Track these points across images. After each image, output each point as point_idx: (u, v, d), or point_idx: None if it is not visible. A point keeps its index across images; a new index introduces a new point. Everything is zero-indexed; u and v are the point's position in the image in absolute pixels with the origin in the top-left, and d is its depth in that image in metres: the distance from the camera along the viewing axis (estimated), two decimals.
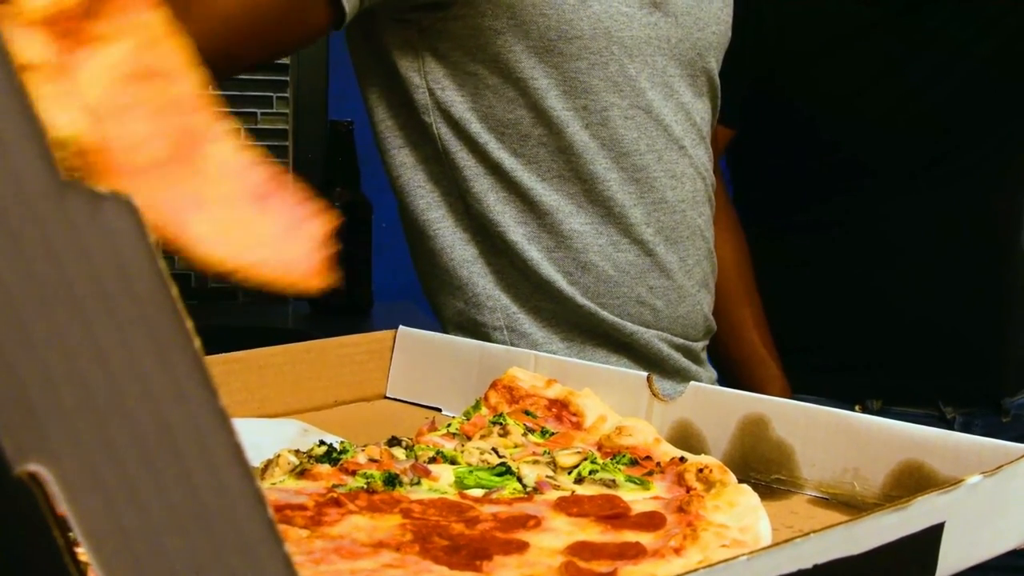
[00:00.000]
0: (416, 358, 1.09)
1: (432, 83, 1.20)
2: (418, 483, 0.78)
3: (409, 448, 0.85)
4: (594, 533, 0.71)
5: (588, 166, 1.22)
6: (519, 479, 0.80)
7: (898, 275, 1.64)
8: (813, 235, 1.69)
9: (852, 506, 0.82)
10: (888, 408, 1.65)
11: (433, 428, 0.92)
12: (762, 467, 0.87)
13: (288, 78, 2.55)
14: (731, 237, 1.61)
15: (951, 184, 1.63)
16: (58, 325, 0.34)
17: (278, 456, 0.81)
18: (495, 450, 0.85)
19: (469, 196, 1.22)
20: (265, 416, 1.01)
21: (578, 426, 0.92)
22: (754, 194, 1.78)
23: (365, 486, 0.77)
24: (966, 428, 1.62)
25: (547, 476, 0.80)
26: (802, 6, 1.64)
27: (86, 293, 0.34)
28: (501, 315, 1.24)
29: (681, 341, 1.30)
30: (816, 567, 0.58)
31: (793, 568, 0.57)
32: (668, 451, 0.86)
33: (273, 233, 0.58)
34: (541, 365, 1.00)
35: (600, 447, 0.87)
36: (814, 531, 0.59)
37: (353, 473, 0.79)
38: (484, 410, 0.94)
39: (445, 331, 1.26)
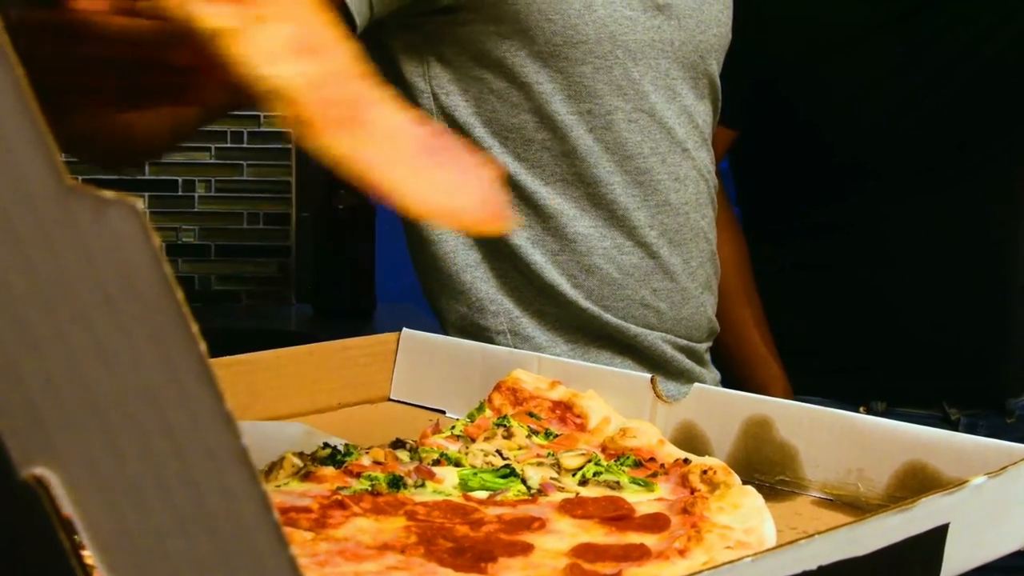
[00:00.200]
0: (420, 360, 1.09)
1: (436, 88, 1.20)
2: (422, 485, 0.78)
3: (413, 450, 0.85)
4: (598, 535, 0.71)
5: (592, 170, 1.22)
6: (523, 481, 0.80)
7: (900, 277, 1.64)
8: (815, 238, 1.69)
9: (856, 507, 0.82)
10: (892, 409, 1.65)
11: (437, 430, 0.92)
12: (766, 468, 0.87)
13: None
14: (730, 237, 1.61)
15: (953, 186, 1.63)
16: (62, 329, 0.34)
17: (282, 459, 0.81)
18: (499, 452, 0.85)
19: None
20: (269, 419, 1.01)
21: (582, 428, 0.92)
22: (757, 196, 1.78)
23: (369, 488, 0.77)
24: (971, 429, 1.62)
25: (551, 478, 0.80)
26: (803, 8, 1.64)
27: (90, 297, 0.34)
28: (504, 319, 1.24)
29: (685, 343, 1.30)
30: (820, 568, 0.58)
31: (798, 569, 0.57)
32: (672, 453, 0.86)
33: (451, 181, 0.61)
34: (545, 367, 1.00)
35: (604, 449, 0.87)
36: (818, 532, 0.59)
37: (357, 475, 0.79)
38: (488, 412, 0.95)
39: (447, 335, 1.26)
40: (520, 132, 1.21)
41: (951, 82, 1.62)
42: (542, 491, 0.78)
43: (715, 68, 1.33)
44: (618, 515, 0.74)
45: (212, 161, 2.54)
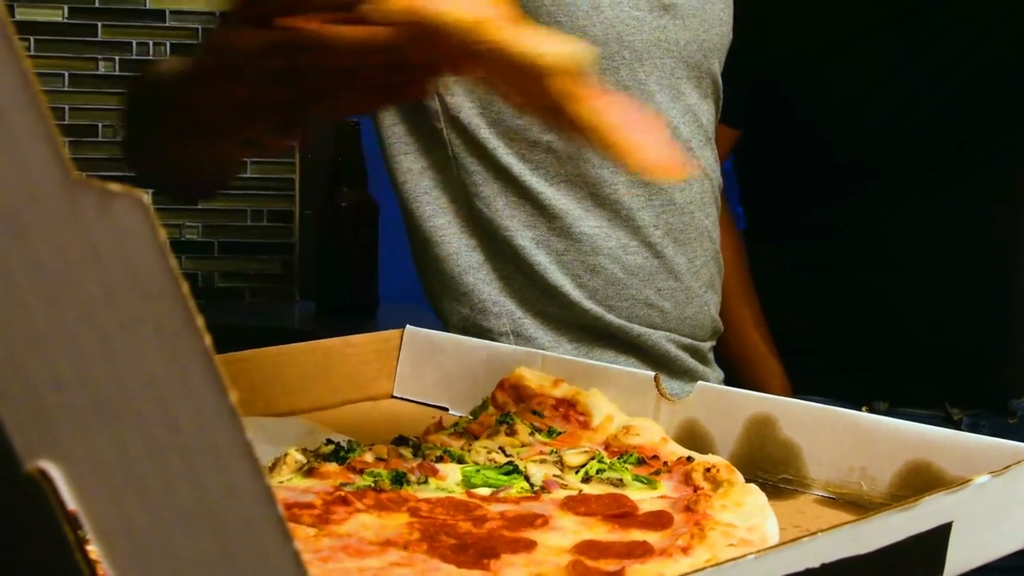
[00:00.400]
0: (423, 358, 1.09)
1: (441, 88, 1.20)
2: (425, 482, 0.78)
3: (416, 447, 0.85)
4: (601, 532, 0.71)
5: (596, 170, 1.22)
6: (526, 478, 0.80)
7: (900, 277, 1.64)
8: (815, 238, 1.69)
9: (859, 506, 0.82)
10: (895, 409, 1.65)
11: (440, 427, 0.92)
12: (769, 467, 0.87)
13: None
14: (729, 236, 1.61)
15: (953, 186, 1.63)
16: (67, 323, 0.34)
17: (286, 455, 0.81)
18: (502, 449, 0.85)
19: (478, 201, 1.22)
20: (272, 416, 1.01)
21: (585, 425, 0.92)
22: (759, 196, 1.78)
23: (373, 485, 0.77)
24: (973, 429, 1.62)
25: (554, 475, 0.81)
26: (803, 8, 1.64)
27: (96, 291, 0.34)
28: (507, 320, 1.24)
29: (689, 341, 1.30)
30: (823, 566, 0.58)
31: (800, 567, 0.57)
32: (675, 450, 0.86)
33: (637, 128, 0.67)
34: (548, 365, 1.00)
35: (607, 446, 0.88)
36: (821, 530, 0.59)
37: (360, 472, 0.79)
38: (491, 409, 0.95)
39: None
40: (525, 133, 1.21)
41: (951, 82, 1.62)
42: (545, 488, 0.78)
43: (717, 67, 1.33)
44: (621, 512, 0.74)
45: None
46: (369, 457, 0.81)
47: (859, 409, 1.55)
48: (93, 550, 0.35)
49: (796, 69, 1.64)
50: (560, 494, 0.77)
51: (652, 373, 0.95)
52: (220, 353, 0.35)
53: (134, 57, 2.50)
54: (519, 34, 0.65)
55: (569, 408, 0.93)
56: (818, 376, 1.66)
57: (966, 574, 0.69)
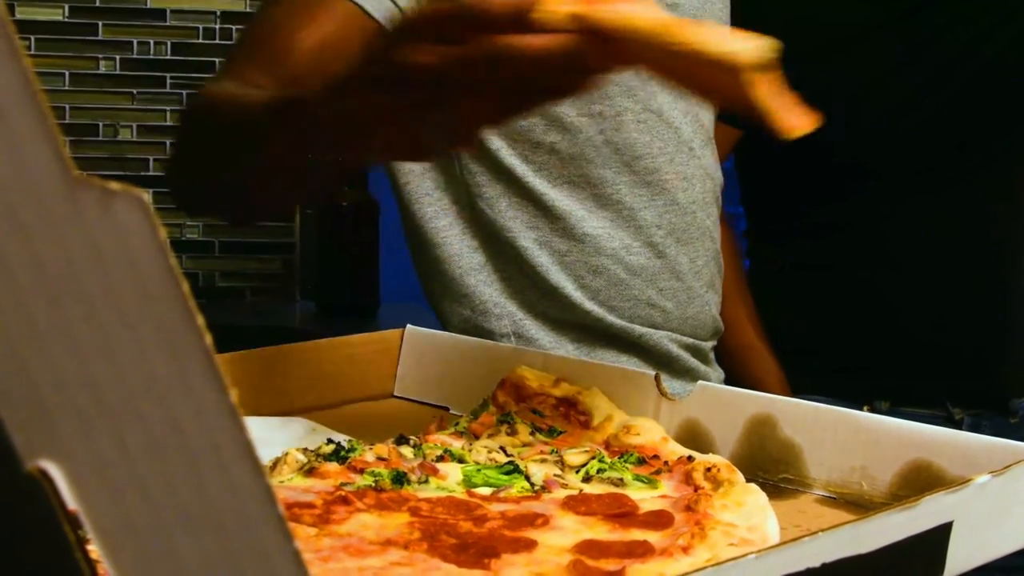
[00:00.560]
0: (424, 357, 1.09)
1: None
2: (426, 481, 0.78)
3: (417, 447, 0.85)
4: (602, 531, 0.71)
5: (599, 170, 1.22)
6: (527, 477, 0.80)
7: (900, 277, 1.64)
8: (815, 238, 1.69)
9: (860, 505, 0.82)
10: (896, 409, 1.64)
11: (441, 427, 0.92)
12: (770, 466, 0.87)
13: None
14: (723, 235, 1.61)
15: (953, 186, 1.63)
16: (68, 321, 0.34)
17: (286, 454, 0.81)
18: (503, 449, 0.85)
19: (480, 202, 1.22)
20: (272, 415, 1.01)
21: (586, 425, 0.92)
22: (759, 196, 1.78)
23: (373, 484, 0.77)
24: (974, 429, 1.62)
25: (555, 475, 0.80)
26: (803, 8, 1.64)
27: (97, 289, 0.34)
28: (508, 322, 1.24)
29: (691, 341, 1.30)
30: (824, 566, 0.58)
31: (801, 567, 0.57)
32: (676, 450, 0.86)
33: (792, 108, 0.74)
34: (549, 364, 1.00)
35: (608, 446, 0.87)
36: (822, 530, 0.59)
37: (361, 471, 0.79)
38: (492, 409, 0.95)
39: None
40: (528, 135, 1.20)
41: (951, 82, 1.62)
42: (546, 488, 0.78)
43: None
44: (622, 512, 0.74)
45: None
46: (370, 456, 0.81)
47: (860, 409, 1.55)
48: (94, 550, 0.35)
49: (796, 69, 1.64)
50: (561, 494, 0.77)
51: (653, 372, 0.95)
52: (220, 352, 0.35)
53: (135, 56, 2.50)
54: (708, 33, 0.70)
55: (570, 408, 0.93)
56: (818, 376, 1.66)
57: (966, 574, 0.69)
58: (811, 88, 1.66)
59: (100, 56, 2.49)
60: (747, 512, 0.72)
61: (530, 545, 0.68)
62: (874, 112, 1.62)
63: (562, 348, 1.24)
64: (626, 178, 1.23)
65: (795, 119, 0.77)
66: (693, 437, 0.91)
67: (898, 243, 1.64)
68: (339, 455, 0.81)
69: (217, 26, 2.52)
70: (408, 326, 1.12)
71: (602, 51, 0.72)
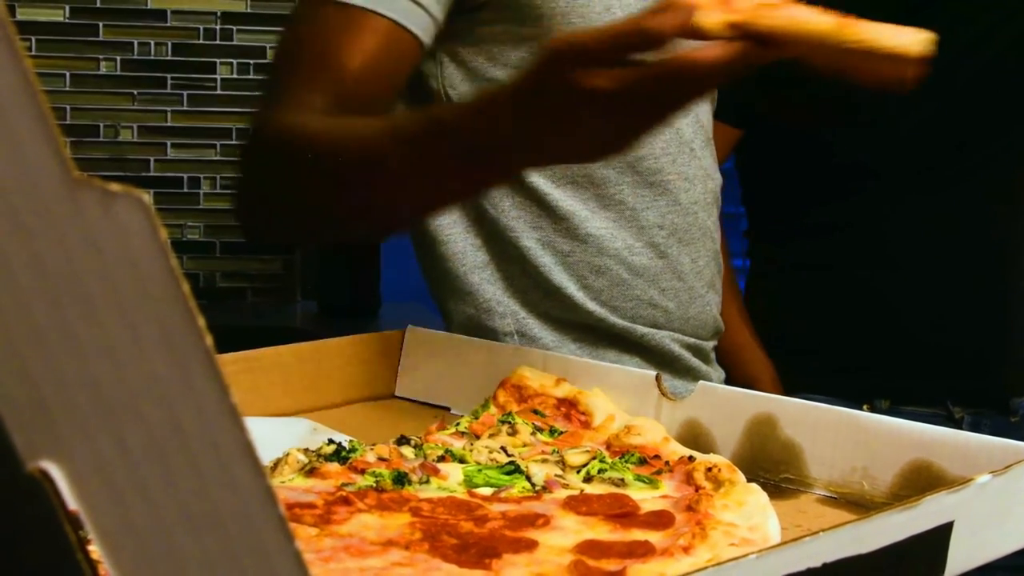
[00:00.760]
0: (425, 357, 1.09)
1: (449, 89, 1.20)
2: (427, 482, 0.78)
3: (418, 447, 0.85)
4: (603, 532, 0.71)
5: (601, 170, 1.22)
6: (528, 478, 0.80)
7: (901, 277, 1.64)
8: (815, 238, 1.69)
9: (861, 505, 0.82)
10: (897, 408, 1.64)
11: (442, 427, 0.92)
12: (771, 466, 0.87)
13: None
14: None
15: (953, 186, 1.63)
16: (69, 322, 0.34)
17: (287, 454, 0.81)
18: (504, 449, 0.85)
19: (484, 201, 1.22)
20: (274, 416, 1.01)
21: (587, 425, 0.92)
22: (759, 196, 1.78)
23: (374, 484, 0.77)
24: (975, 428, 1.62)
25: (556, 475, 0.80)
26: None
27: (97, 290, 0.34)
28: (511, 321, 1.24)
29: (692, 341, 1.30)
30: (825, 566, 0.58)
31: (802, 567, 0.57)
32: (677, 450, 0.86)
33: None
34: (550, 364, 1.00)
35: (609, 446, 0.87)
36: (823, 530, 0.59)
37: (362, 472, 0.79)
38: (493, 409, 0.95)
39: None
40: None
41: (952, 82, 1.62)
42: (547, 488, 0.78)
43: None
44: (623, 512, 0.74)
45: (217, 158, 2.54)
46: (371, 457, 0.81)
47: (860, 408, 1.55)
48: (95, 550, 0.35)
49: (796, 69, 1.64)
50: (562, 494, 0.77)
51: (654, 372, 0.95)
52: (221, 353, 0.35)
53: (135, 57, 2.50)
54: (879, 29, 0.76)
55: (571, 408, 0.93)
56: (819, 376, 1.66)
57: (967, 573, 0.69)
58: (812, 88, 1.67)
59: (101, 57, 2.49)
60: (748, 512, 0.72)
61: (531, 545, 0.68)
62: (875, 112, 1.62)
63: (564, 348, 1.23)
64: (629, 178, 1.23)
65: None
66: (694, 437, 0.91)
67: (898, 243, 1.64)
68: (340, 455, 0.81)
69: (218, 27, 2.52)
70: (409, 326, 1.12)
71: (760, 52, 0.79)
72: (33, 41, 2.45)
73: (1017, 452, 0.75)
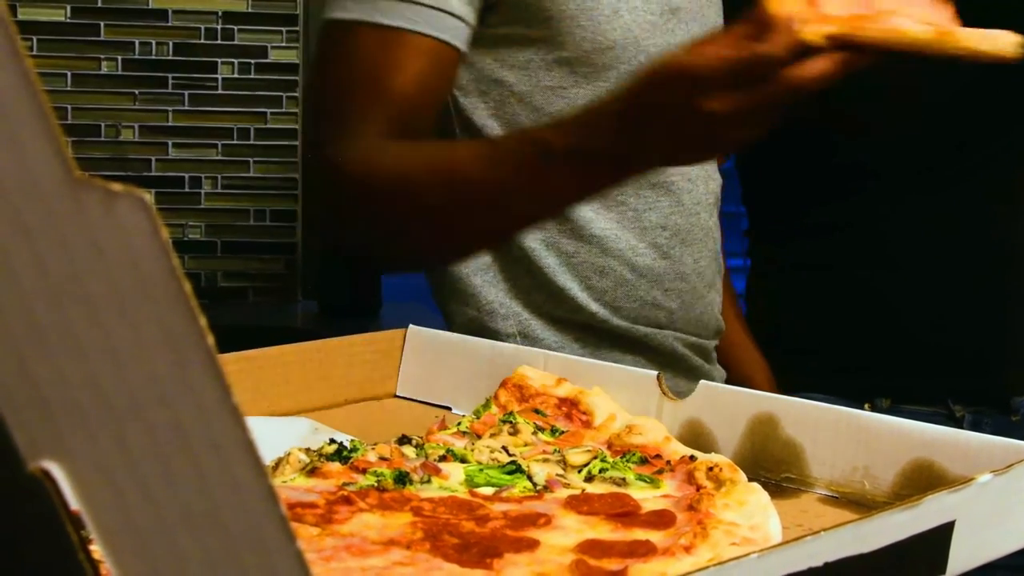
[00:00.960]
0: (426, 357, 1.09)
1: (455, 89, 1.20)
2: (428, 481, 0.78)
3: (419, 446, 0.85)
4: (604, 531, 0.71)
5: None
6: (529, 477, 0.80)
7: (901, 277, 1.64)
8: (815, 238, 1.69)
9: (862, 505, 0.82)
10: (897, 407, 1.64)
11: (443, 427, 0.92)
12: (772, 466, 0.87)
13: (297, 78, 2.56)
14: None
15: (953, 186, 1.63)
16: (71, 322, 0.35)
17: (289, 454, 0.81)
18: (505, 448, 0.85)
19: None
20: (275, 415, 1.01)
21: (588, 425, 0.92)
22: (759, 196, 1.78)
23: (375, 484, 0.77)
24: (976, 427, 1.62)
25: (557, 474, 0.81)
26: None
27: (99, 290, 0.34)
28: (514, 322, 1.24)
29: (695, 340, 1.30)
30: (826, 565, 0.58)
31: (803, 566, 0.57)
32: (678, 449, 0.86)
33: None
34: (551, 364, 1.00)
35: (610, 445, 0.87)
36: (824, 529, 0.59)
37: (363, 471, 0.79)
38: (494, 409, 0.95)
39: None
40: None
41: (952, 82, 1.62)
42: (548, 487, 0.78)
43: None
44: (624, 512, 0.74)
45: (219, 158, 2.54)
46: (372, 456, 0.81)
47: (861, 407, 1.55)
48: (96, 550, 0.35)
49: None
50: (563, 493, 0.77)
51: (655, 372, 0.95)
52: (223, 353, 0.35)
53: (137, 57, 2.50)
54: (976, 35, 0.83)
55: (572, 407, 0.93)
56: (819, 375, 1.65)
57: (969, 573, 0.69)
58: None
59: (102, 57, 2.49)
60: (749, 511, 0.72)
61: (532, 545, 0.68)
62: (874, 112, 1.62)
63: (567, 348, 1.24)
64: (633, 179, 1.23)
65: None
66: (695, 436, 0.91)
67: (898, 243, 1.64)
68: (341, 455, 0.81)
69: (219, 27, 2.52)
70: (410, 326, 1.12)
71: (859, 61, 0.86)
72: (34, 41, 2.45)
73: (1018, 451, 0.75)
